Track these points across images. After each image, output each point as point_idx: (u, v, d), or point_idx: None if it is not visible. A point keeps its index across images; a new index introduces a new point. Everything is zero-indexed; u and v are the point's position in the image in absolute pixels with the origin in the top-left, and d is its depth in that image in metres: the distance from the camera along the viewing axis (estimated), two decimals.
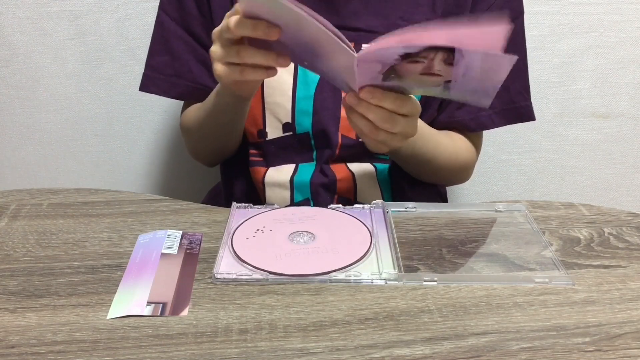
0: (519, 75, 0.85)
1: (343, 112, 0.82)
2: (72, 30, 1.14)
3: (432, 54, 0.54)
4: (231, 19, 0.61)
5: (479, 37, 0.53)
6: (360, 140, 0.83)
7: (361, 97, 0.61)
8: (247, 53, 0.63)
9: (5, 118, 1.21)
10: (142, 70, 0.88)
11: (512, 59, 0.52)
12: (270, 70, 0.65)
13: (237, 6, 0.62)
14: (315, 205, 0.83)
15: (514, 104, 0.86)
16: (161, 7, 0.86)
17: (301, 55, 0.64)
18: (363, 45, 0.55)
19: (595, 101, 1.24)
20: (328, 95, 0.82)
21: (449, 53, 0.54)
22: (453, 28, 0.52)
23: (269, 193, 0.85)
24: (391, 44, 0.54)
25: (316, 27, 0.55)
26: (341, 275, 0.60)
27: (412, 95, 0.64)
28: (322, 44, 0.58)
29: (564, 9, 1.16)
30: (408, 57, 0.55)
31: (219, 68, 0.66)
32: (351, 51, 0.56)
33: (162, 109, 1.21)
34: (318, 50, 0.60)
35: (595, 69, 1.20)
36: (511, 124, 0.87)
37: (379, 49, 0.55)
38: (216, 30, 0.65)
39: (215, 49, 0.66)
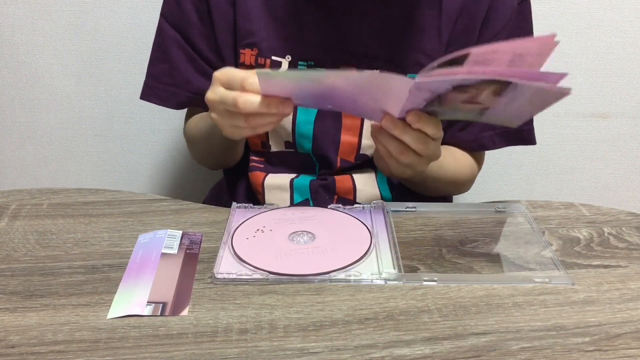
0: None
1: (343, 138, 0.82)
2: (72, 30, 1.14)
3: (485, 85, 0.53)
4: (240, 100, 0.59)
5: (535, 47, 0.52)
6: (359, 162, 0.83)
7: (408, 120, 0.60)
8: (257, 121, 0.62)
9: (5, 118, 1.21)
10: (142, 70, 0.88)
11: (563, 93, 0.51)
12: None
13: (230, 78, 0.61)
14: (315, 205, 0.83)
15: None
16: (162, 14, 0.84)
17: (310, 101, 0.64)
18: (418, 76, 0.55)
19: (595, 101, 1.24)
20: (328, 121, 0.81)
21: (502, 85, 0.53)
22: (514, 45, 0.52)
23: (268, 196, 0.84)
24: (453, 73, 0.52)
25: (365, 75, 0.55)
26: (341, 275, 0.60)
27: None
28: (362, 86, 0.57)
29: (564, 9, 1.16)
30: (460, 87, 0.54)
31: (227, 130, 0.65)
32: (408, 78, 0.54)
33: (162, 109, 1.20)
34: (345, 94, 0.59)
35: (595, 69, 1.20)
36: (511, 145, 0.87)
37: (439, 79, 0.53)
38: (213, 100, 0.63)
39: (217, 118, 0.64)
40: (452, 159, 0.85)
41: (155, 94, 0.86)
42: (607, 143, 1.27)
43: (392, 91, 0.57)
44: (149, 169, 1.28)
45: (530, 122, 0.86)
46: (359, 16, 0.78)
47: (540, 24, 1.15)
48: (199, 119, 0.85)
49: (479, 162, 0.90)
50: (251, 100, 0.59)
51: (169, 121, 1.23)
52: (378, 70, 0.54)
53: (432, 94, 0.56)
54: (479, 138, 0.85)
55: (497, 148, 0.87)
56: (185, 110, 0.94)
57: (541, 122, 1.24)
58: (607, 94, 1.23)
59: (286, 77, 0.58)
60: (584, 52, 1.19)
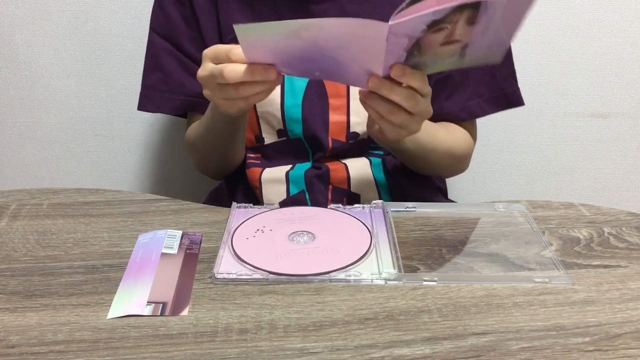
0: (505, 62, 0.85)
1: (332, 117, 0.83)
2: (72, 30, 1.14)
3: (457, 16, 0.54)
4: (225, 70, 0.61)
5: None
6: (351, 142, 0.84)
7: (392, 75, 0.59)
8: (246, 91, 0.63)
9: (5, 118, 1.21)
10: (142, 69, 0.88)
11: None
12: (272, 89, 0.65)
13: (218, 51, 0.63)
14: (311, 196, 0.84)
15: (502, 90, 0.86)
16: (151, 27, 0.88)
17: (297, 67, 0.64)
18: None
19: (595, 101, 1.24)
20: (315, 102, 0.83)
21: (474, 10, 0.54)
22: None
23: (265, 190, 0.85)
24: (424, 8, 0.53)
25: (339, 22, 0.56)
26: (341, 275, 0.60)
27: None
28: (340, 39, 0.58)
29: (564, 9, 1.16)
30: (434, 25, 0.54)
31: (221, 105, 0.67)
32: (382, 22, 0.54)
33: None
34: (327, 52, 0.60)
35: (595, 69, 1.20)
36: (501, 110, 0.87)
37: (411, 17, 0.54)
38: (203, 75, 0.65)
39: (210, 93, 0.66)
40: (446, 131, 0.86)
41: (152, 102, 0.88)
42: (607, 143, 1.27)
43: (371, 42, 0.57)
44: (149, 169, 1.28)
45: (515, 84, 0.87)
46: (331, 1, 0.81)
47: (541, 24, 1.16)
48: (198, 123, 0.87)
49: (472, 134, 0.91)
50: (236, 69, 0.61)
51: (169, 121, 1.23)
52: (356, 19, 0.54)
53: (410, 40, 0.56)
54: (466, 106, 0.86)
55: (486, 114, 0.87)
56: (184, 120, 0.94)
57: (541, 122, 1.24)
58: (607, 94, 1.23)
59: (263, 28, 0.58)
60: (584, 52, 1.19)
